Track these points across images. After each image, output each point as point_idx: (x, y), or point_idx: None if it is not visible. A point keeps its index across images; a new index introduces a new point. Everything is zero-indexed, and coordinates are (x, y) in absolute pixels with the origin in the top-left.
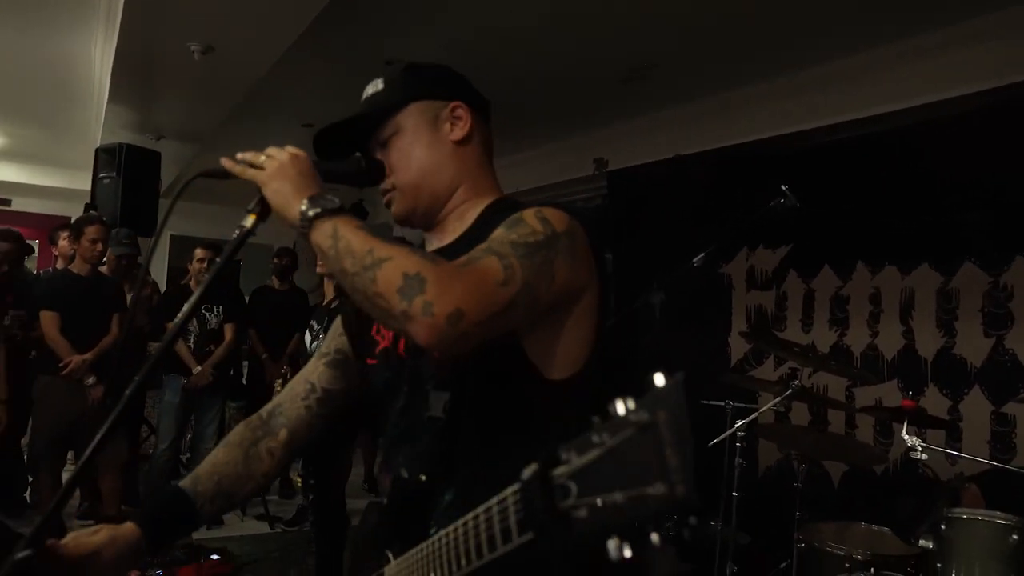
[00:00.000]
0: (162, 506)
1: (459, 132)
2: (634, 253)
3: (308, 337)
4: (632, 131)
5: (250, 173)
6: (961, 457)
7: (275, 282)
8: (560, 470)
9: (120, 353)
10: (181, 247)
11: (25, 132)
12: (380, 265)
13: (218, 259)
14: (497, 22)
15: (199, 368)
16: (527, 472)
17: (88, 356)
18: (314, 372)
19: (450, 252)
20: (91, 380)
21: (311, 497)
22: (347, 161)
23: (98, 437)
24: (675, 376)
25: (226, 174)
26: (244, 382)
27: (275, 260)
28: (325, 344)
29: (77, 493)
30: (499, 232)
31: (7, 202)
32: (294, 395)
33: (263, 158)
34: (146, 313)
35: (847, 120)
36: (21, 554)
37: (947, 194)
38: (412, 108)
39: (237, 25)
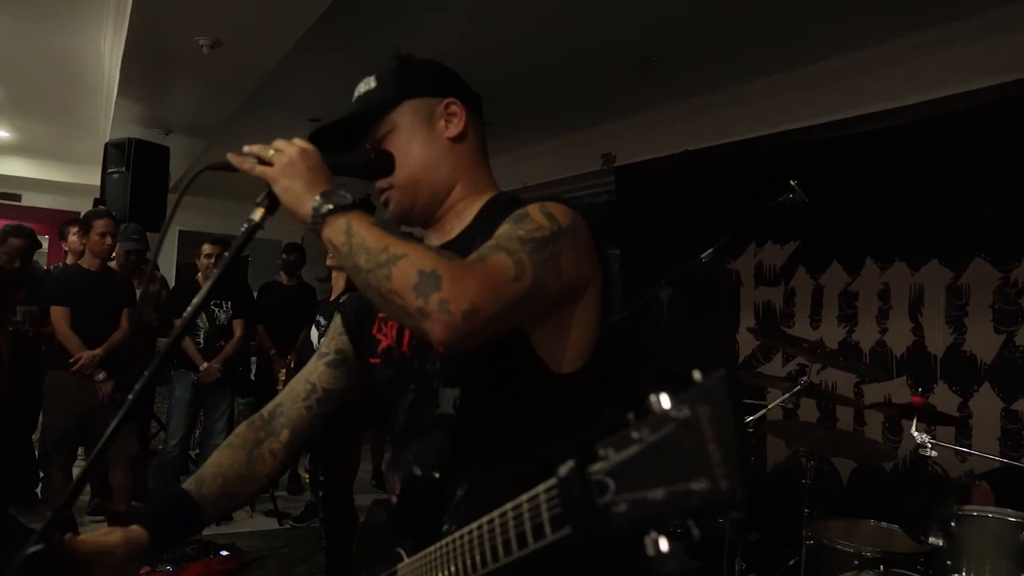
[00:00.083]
0: (167, 509)
1: (454, 129)
2: (642, 249)
3: (315, 332)
4: (640, 126)
5: (259, 170)
6: (971, 454)
7: (283, 278)
8: (597, 466)
9: (130, 348)
10: (190, 242)
11: (35, 127)
12: (395, 262)
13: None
14: (505, 15)
15: (207, 364)
16: (563, 469)
17: (98, 351)
18: (314, 372)
19: (451, 249)
20: (101, 375)
21: (320, 494)
22: (356, 153)
23: (108, 433)
24: (719, 372)
25: (234, 167)
26: (252, 378)
27: (283, 256)
28: (324, 344)
29: (87, 489)
30: (506, 228)
31: (17, 197)
32: (295, 395)
33: (271, 152)
34: (155, 308)
35: (857, 115)
36: (34, 548)
37: (957, 189)
38: (406, 106)
39: (245, 20)
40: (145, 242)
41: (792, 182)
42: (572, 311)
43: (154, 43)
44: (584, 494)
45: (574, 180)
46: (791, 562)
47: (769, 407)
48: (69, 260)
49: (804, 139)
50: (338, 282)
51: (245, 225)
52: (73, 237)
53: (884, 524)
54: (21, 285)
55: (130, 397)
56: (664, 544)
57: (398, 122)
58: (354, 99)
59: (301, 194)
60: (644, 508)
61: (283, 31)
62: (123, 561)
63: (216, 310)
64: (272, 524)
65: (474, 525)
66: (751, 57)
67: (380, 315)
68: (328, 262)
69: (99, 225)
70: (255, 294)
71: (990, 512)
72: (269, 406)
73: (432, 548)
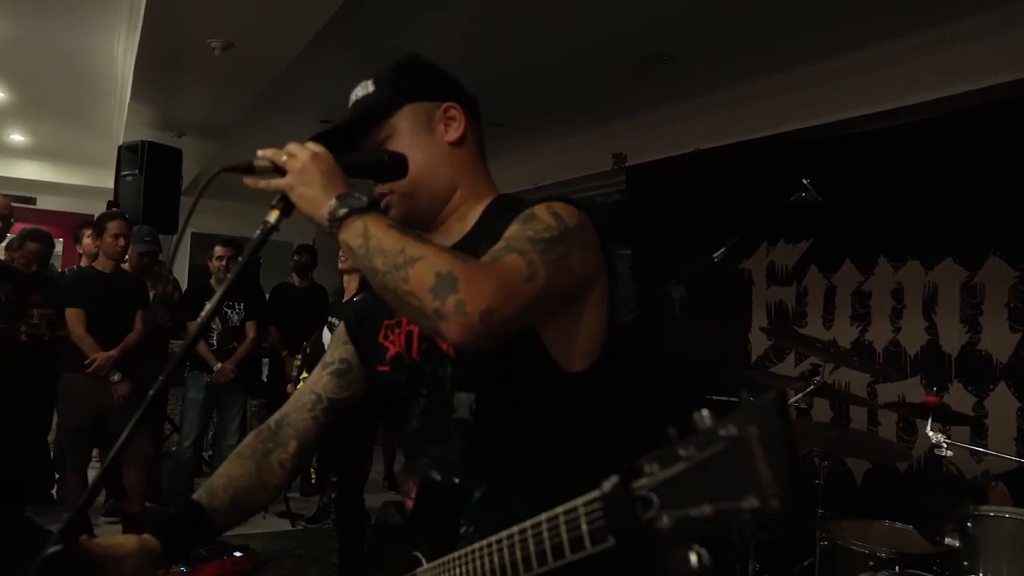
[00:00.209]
0: (180, 519)
1: (454, 134)
2: (653, 248)
3: (327, 333)
4: (651, 125)
5: (274, 185)
6: (987, 454)
7: (295, 279)
8: (642, 482)
9: (144, 350)
10: (202, 244)
11: (49, 130)
12: (412, 264)
13: (238, 256)
14: (514, 15)
15: (220, 365)
16: (607, 484)
17: (113, 353)
18: (319, 382)
19: None
20: (116, 377)
21: (332, 495)
22: (369, 154)
23: (123, 437)
24: (771, 393)
25: (250, 169)
26: (264, 379)
27: (295, 257)
28: (328, 354)
29: (102, 490)
30: (514, 229)
31: (32, 200)
32: (300, 406)
33: (284, 158)
34: (167, 310)
35: (869, 112)
36: (53, 548)
37: (971, 187)
38: (406, 110)
39: (257, 21)
40: (157, 244)
41: (805, 181)
42: (581, 309)
43: (167, 46)
44: (629, 509)
45: (585, 180)
46: (805, 563)
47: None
48: (83, 263)
49: (816, 137)
50: (350, 284)
51: (260, 227)
52: (87, 240)
53: (899, 524)
54: (37, 288)
55: (146, 401)
56: (707, 558)
57: (398, 126)
58: (352, 102)
59: (317, 198)
60: (689, 524)
61: (294, 32)
62: (136, 568)
63: (229, 312)
64: (285, 525)
65: (503, 534)
66: (762, 55)
67: (386, 322)
68: (340, 266)
69: (112, 227)
70: (267, 296)
71: (1007, 512)
72: (276, 416)
73: (455, 555)
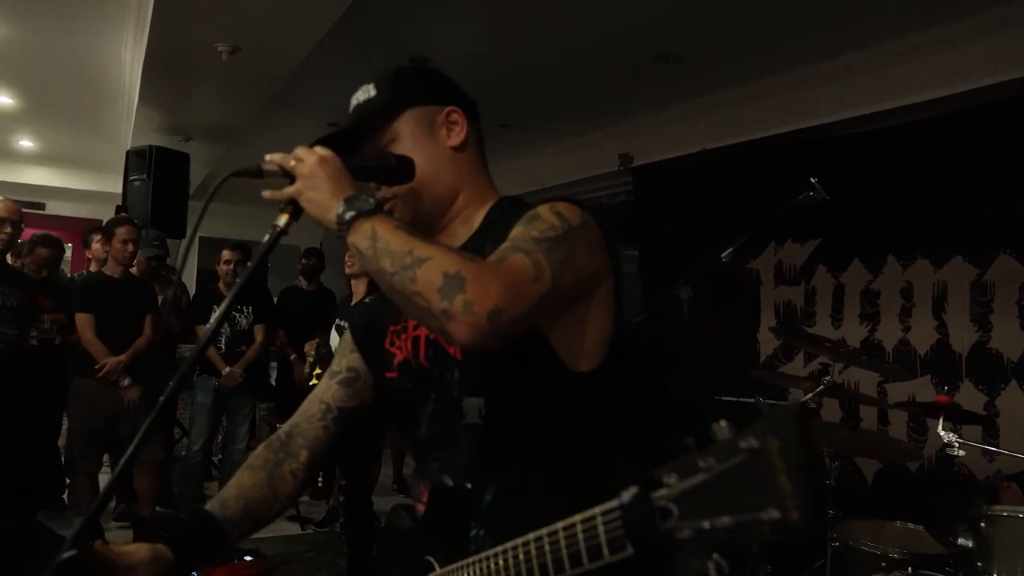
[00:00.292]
0: (192, 530)
1: (456, 138)
2: (660, 249)
3: (335, 336)
4: (657, 125)
5: (286, 193)
6: (999, 453)
7: (303, 282)
8: (661, 492)
9: (154, 355)
10: (209, 248)
11: (58, 136)
12: (420, 264)
13: (245, 259)
14: (521, 17)
15: (228, 369)
16: (626, 494)
17: (123, 358)
18: (327, 391)
19: None
20: (126, 381)
21: (341, 499)
22: (376, 157)
23: (134, 443)
24: (791, 406)
25: (259, 173)
26: (273, 383)
27: (302, 261)
28: (335, 362)
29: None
30: (519, 230)
31: (41, 206)
32: (310, 416)
33: (292, 162)
34: (176, 315)
35: (878, 110)
36: (68, 553)
37: (980, 184)
38: (408, 115)
39: (263, 26)
40: (165, 248)
41: (812, 179)
42: (587, 308)
43: (174, 50)
44: (648, 519)
45: (591, 181)
46: (817, 564)
47: (791, 402)
48: (93, 268)
49: (823, 136)
50: (358, 288)
51: (270, 231)
52: (96, 245)
53: (911, 525)
54: (48, 293)
55: (156, 407)
56: (725, 566)
57: (400, 131)
58: (353, 106)
59: (324, 202)
60: (708, 534)
61: (301, 36)
62: None
63: (237, 315)
64: (295, 529)
65: (519, 540)
66: (769, 54)
67: (392, 328)
68: (347, 270)
69: (121, 232)
70: (275, 299)
71: (1021, 512)
72: (286, 426)
73: (469, 560)
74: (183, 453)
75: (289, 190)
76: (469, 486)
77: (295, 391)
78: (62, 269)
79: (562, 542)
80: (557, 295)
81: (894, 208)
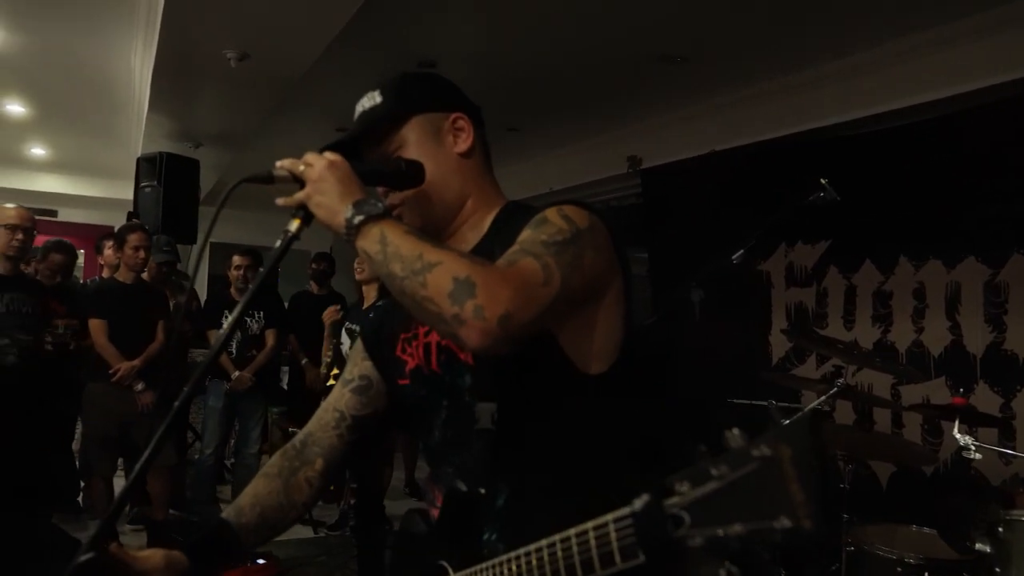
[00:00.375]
0: (208, 538)
1: (463, 145)
2: (670, 251)
3: (347, 339)
4: (665, 127)
5: (296, 199)
6: (1016, 456)
7: (313, 287)
8: (673, 500)
9: (167, 360)
10: (220, 254)
11: (69, 143)
12: (430, 269)
13: (256, 264)
14: (528, 20)
15: (238, 373)
16: (639, 502)
17: (136, 363)
18: (341, 400)
19: None
20: (140, 386)
21: (352, 502)
22: (386, 163)
23: (149, 450)
24: (804, 415)
25: (270, 179)
26: (285, 387)
27: (313, 265)
28: (348, 370)
29: None
30: (528, 234)
31: (53, 213)
32: (324, 424)
33: (302, 167)
34: (187, 319)
35: (887, 110)
36: (85, 556)
37: (992, 183)
38: (414, 122)
39: (271, 32)
40: (175, 253)
41: (823, 180)
42: (597, 311)
43: (183, 57)
44: (660, 527)
45: (600, 183)
46: (832, 568)
47: (805, 410)
48: (104, 274)
49: (833, 136)
50: (369, 294)
51: (281, 237)
52: (108, 251)
53: (926, 529)
54: (61, 299)
55: (171, 413)
56: (737, 573)
57: (407, 138)
58: (358, 114)
59: (333, 206)
60: (721, 542)
61: (309, 42)
62: None
63: (248, 320)
64: (307, 532)
65: (532, 547)
66: (776, 54)
67: (403, 335)
68: (357, 276)
69: (133, 239)
70: (285, 304)
71: None
72: (300, 435)
73: (483, 565)
74: (196, 457)
75: (299, 195)
76: (482, 491)
77: (306, 395)
78: (75, 275)
79: (575, 548)
80: (567, 298)
81: (903, 208)
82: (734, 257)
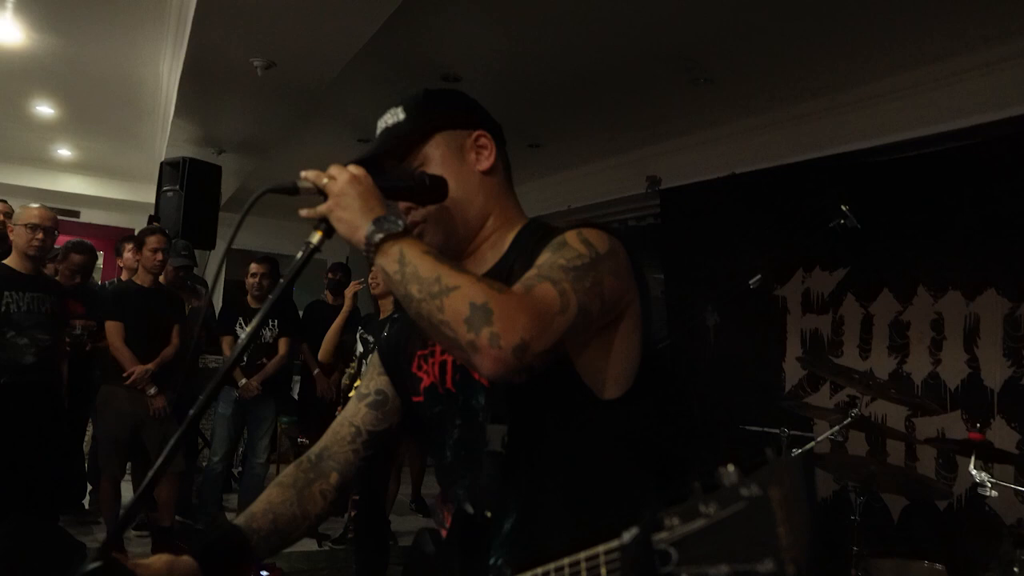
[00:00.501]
0: (219, 543)
1: (486, 162)
2: (686, 273)
3: (360, 348)
4: (686, 148)
5: (318, 212)
6: None
7: (329, 297)
8: (662, 535)
9: (181, 365)
10: (237, 259)
11: (95, 145)
12: (447, 293)
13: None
14: (551, 36)
15: (246, 380)
16: (627, 535)
17: (150, 366)
18: (357, 414)
19: (491, 278)
20: (153, 390)
21: (353, 513)
22: (409, 177)
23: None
24: (796, 456)
25: (294, 190)
26: (296, 397)
27: (328, 275)
28: (364, 385)
29: None
30: (547, 257)
31: (76, 214)
32: (340, 439)
33: (325, 180)
34: (201, 325)
35: (910, 138)
36: (94, 564)
37: (1015, 216)
38: (438, 138)
39: (298, 42)
40: (193, 258)
41: (844, 207)
42: (613, 335)
43: (210, 64)
44: (648, 562)
45: (619, 203)
46: None
47: (817, 439)
48: (123, 276)
49: (854, 163)
50: (385, 307)
51: (303, 248)
52: (128, 254)
53: (938, 566)
54: (79, 300)
55: (185, 422)
56: None
57: (430, 155)
58: (381, 130)
59: (354, 221)
60: None
61: (335, 53)
62: None
63: (263, 328)
64: (312, 545)
65: (527, 574)
66: (799, 78)
67: (419, 352)
68: (372, 291)
69: (151, 242)
70: (300, 312)
71: None
72: (315, 448)
73: None
74: (204, 464)
75: (321, 208)
76: (488, 515)
77: (318, 405)
78: (93, 277)
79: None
80: (583, 325)
81: (923, 237)
82: (751, 282)
